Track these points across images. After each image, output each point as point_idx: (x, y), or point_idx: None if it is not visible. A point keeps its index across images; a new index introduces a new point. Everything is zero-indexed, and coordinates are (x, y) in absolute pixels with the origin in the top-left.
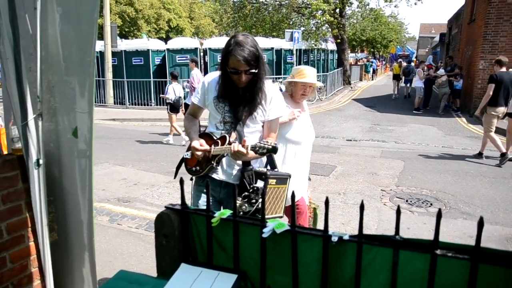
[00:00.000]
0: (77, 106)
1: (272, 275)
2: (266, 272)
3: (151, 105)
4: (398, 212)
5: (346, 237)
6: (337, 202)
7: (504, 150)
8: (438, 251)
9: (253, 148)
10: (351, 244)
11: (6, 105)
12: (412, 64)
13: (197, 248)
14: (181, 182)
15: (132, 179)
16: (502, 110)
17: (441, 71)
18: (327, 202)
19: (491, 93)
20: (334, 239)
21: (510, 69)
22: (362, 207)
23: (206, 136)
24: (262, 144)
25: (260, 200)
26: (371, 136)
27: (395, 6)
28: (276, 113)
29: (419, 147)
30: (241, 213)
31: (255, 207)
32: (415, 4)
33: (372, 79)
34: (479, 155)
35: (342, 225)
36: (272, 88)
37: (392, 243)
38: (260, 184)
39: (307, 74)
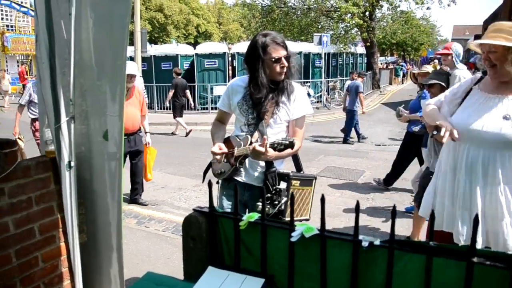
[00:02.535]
0: (108, 109)
1: (300, 280)
2: (294, 277)
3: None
4: (432, 217)
5: (377, 242)
6: (365, 207)
7: None
8: (475, 259)
9: (272, 145)
10: (382, 250)
11: (41, 109)
12: None
13: (224, 251)
14: (210, 185)
15: (159, 182)
16: None
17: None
18: (357, 208)
19: None
20: (365, 244)
21: None
22: (394, 212)
23: (231, 139)
24: (280, 140)
25: (283, 201)
26: (400, 141)
27: (427, 8)
28: (301, 112)
29: None
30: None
31: (276, 208)
32: (448, 5)
33: (402, 83)
34: None
35: (370, 231)
36: (296, 87)
37: (425, 249)
38: (283, 185)
39: None
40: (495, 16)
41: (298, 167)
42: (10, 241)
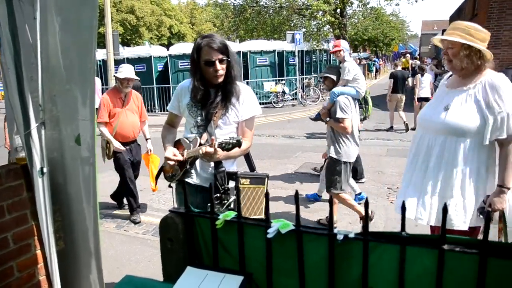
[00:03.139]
0: (79, 114)
1: (278, 276)
2: (272, 274)
3: (155, 111)
4: (403, 208)
5: (351, 235)
6: None
7: None
8: (446, 246)
9: (220, 145)
10: (357, 242)
11: (9, 115)
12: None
13: (203, 251)
14: (184, 185)
15: (137, 185)
16: None
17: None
18: (330, 201)
19: None
20: (340, 237)
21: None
22: (366, 204)
23: (181, 142)
24: (228, 140)
25: (231, 199)
26: (376, 135)
27: (396, 5)
28: (250, 113)
29: None
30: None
31: (225, 207)
32: (416, 1)
33: (375, 78)
34: None
35: (349, 225)
36: (244, 88)
37: (399, 239)
38: (232, 184)
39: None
40: (460, 11)
41: (251, 167)
42: None
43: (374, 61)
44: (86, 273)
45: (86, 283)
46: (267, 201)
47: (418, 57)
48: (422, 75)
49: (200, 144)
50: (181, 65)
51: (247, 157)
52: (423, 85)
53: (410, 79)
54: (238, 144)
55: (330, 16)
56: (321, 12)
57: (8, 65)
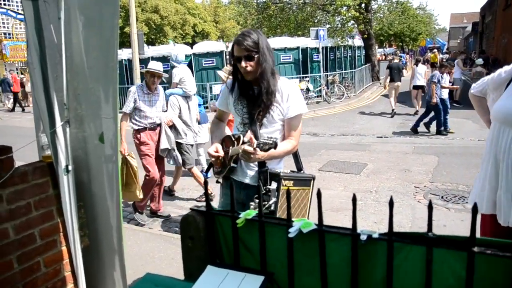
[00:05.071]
0: (102, 112)
1: (300, 276)
2: (294, 274)
3: None
4: (430, 207)
5: (375, 235)
6: (369, 200)
7: None
8: (476, 249)
9: (258, 146)
10: (382, 243)
11: (35, 114)
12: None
13: (223, 249)
14: (205, 183)
15: None
16: None
17: (479, 61)
18: (354, 200)
19: None
20: (363, 237)
21: None
22: (391, 204)
23: (228, 138)
24: (265, 140)
25: (271, 201)
26: (402, 132)
27: None
28: (295, 111)
29: (453, 141)
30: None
31: (264, 208)
32: None
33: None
34: None
35: (374, 224)
36: (288, 85)
37: (425, 240)
38: (274, 185)
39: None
40: (491, 3)
41: (298, 166)
42: (11, 247)
43: (401, 56)
44: (110, 270)
45: (109, 280)
46: (319, 202)
47: (447, 51)
48: (417, 65)
49: (244, 143)
50: (205, 63)
51: (295, 156)
52: (419, 74)
53: (404, 71)
54: (274, 145)
55: (355, 11)
56: (345, 7)
57: (35, 65)
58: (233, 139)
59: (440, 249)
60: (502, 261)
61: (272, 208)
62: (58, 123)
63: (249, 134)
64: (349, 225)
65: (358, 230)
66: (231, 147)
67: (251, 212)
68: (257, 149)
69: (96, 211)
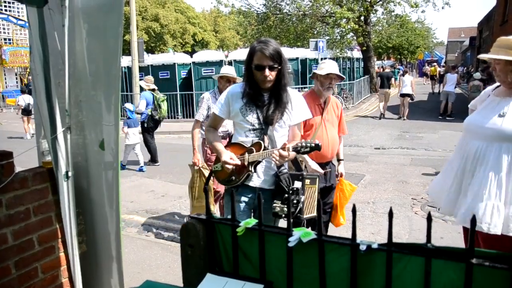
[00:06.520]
0: (104, 119)
1: (299, 285)
2: (293, 283)
3: (178, 118)
4: (429, 219)
5: (375, 246)
6: (366, 211)
7: None
8: (474, 260)
9: (295, 149)
10: (381, 253)
11: (37, 120)
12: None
13: (223, 258)
14: (206, 191)
15: (160, 191)
16: None
17: (477, 75)
18: (354, 210)
19: None
20: (363, 247)
21: None
22: (391, 215)
23: (236, 145)
24: (304, 143)
25: (302, 199)
26: (400, 144)
27: (422, 12)
28: (302, 117)
29: (451, 154)
30: (283, 215)
31: (299, 207)
32: (443, 8)
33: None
34: None
35: (372, 235)
36: (295, 93)
37: (424, 251)
38: (298, 184)
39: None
40: (489, 18)
41: (299, 168)
42: (9, 252)
43: (399, 69)
44: (107, 277)
45: (107, 287)
46: (319, 211)
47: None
48: (403, 76)
49: (265, 148)
50: (204, 72)
51: (295, 159)
52: (405, 83)
53: (392, 79)
54: (317, 147)
55: (354, 24)
56: (344, 20)
57: (37, 71)
58: (247, 146)
59: (439, 260)
60: (499, 272)
61: (301, 205)
62: (60, 129)
63: (267, 139)
64: (347, 235)
65: (357, 240)
66: (247, 154)
67: (251, 221)
68: (292, 152)
69: (94, 218)
